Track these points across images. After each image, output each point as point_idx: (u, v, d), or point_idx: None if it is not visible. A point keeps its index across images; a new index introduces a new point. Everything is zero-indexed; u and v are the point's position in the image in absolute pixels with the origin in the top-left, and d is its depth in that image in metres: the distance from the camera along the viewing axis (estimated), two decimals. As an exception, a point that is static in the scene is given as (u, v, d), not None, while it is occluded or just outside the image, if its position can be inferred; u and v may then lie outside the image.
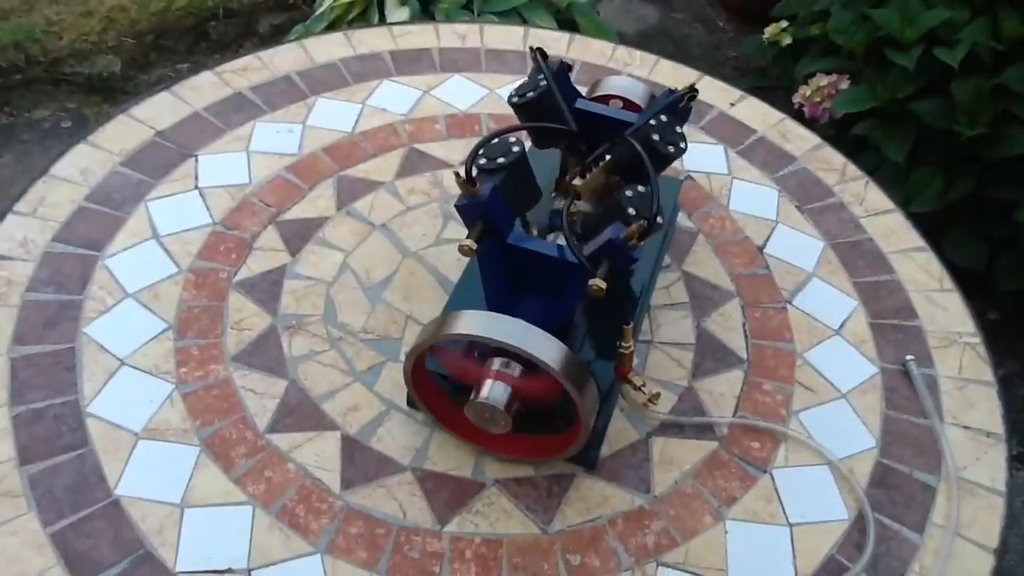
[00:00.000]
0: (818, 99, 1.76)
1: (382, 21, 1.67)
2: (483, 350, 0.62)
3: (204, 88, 0.92)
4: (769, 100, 0.98)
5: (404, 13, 1.65)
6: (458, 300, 0.70)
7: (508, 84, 0.96)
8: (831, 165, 0.92)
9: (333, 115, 0.91)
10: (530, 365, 0.60)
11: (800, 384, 0.74)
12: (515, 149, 0.62)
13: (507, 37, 1.03)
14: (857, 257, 0.84)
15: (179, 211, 0.80)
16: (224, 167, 0.84)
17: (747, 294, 0.80)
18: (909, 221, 0.88)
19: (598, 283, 0.57)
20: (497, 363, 0.61)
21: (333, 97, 0.93)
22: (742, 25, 2.54)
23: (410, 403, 0.69)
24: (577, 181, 0.63)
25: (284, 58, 0.96)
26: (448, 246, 0.81)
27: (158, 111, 0.89)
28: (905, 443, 0.71)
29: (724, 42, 2.52)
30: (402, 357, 0.72)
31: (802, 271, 0.82)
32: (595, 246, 0.59)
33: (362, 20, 1.75)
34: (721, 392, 0.73)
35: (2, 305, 0.71)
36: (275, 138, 0.88)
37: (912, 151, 1.59)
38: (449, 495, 0.65)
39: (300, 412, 0.68)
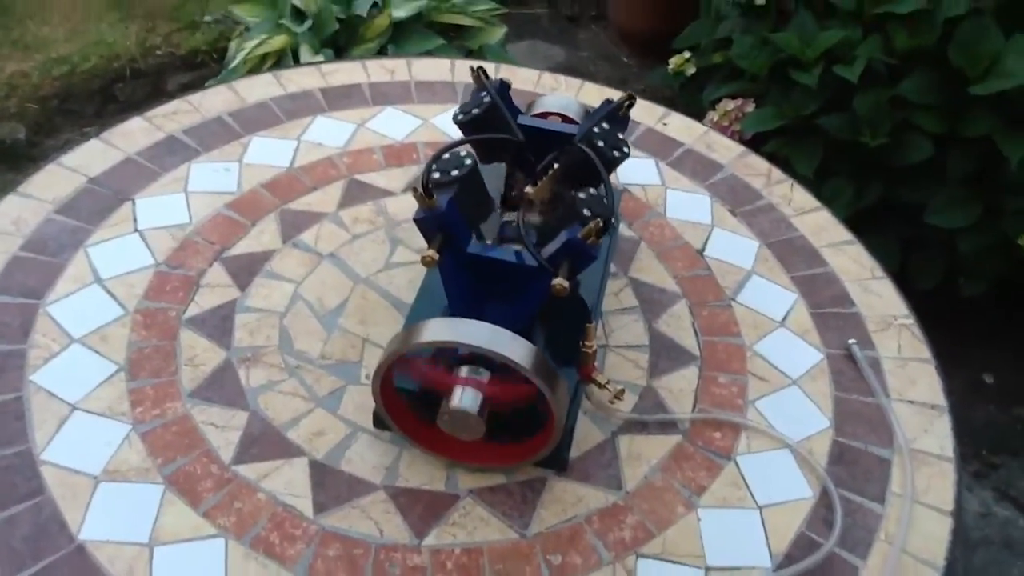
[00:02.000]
0: (727, 123, 1.83)
1: (299, 70, 1.67)
2: (451, 360, 0.63)
3: (134, 133, 0.91)
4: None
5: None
6: (416, 316, 0.71)
7: (440, 113, 0.98)
8: (757, 171, 0.96)
9: (269, 152, 0.91)
10: (498, 370, 0.61)
11: (753, 375, 0.76)
12: (467, 162, 0.64)
13: (435, 69, 1.05)
14: (792, 253, 0.87)
15: (120, 254, 0.79)
16: (163, 209, 0.83)
17: (693, 295, 0.82)
18: (836, 218, 0.92)
19: (561, 282, 0.59)
20: (465, 370, 0.61)
21: (268, 135, 0.93)
22: (645, 59, 2.63)
23: (376, 423, 0.69)
24: (529, 189, 0.65)
25: (214, 100, 0.96)
26: (398, 270, 0.81)
27: (89, 158, 0.87)
28: (857, 421, 0.73)
29: (630, 76, 2.60)
30: (363, 380, 0.72)
31: (741, 269, 0.85)
32: (554, 248, 0.61)
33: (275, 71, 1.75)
34: (680, 388, 0.74)
35: (-60, 360, 0.69)
36: (212, 177, 0.87)
37: (822, 164, 1.66)
38: (424, 509, 0.64)
39: (264, 442, 0.67)
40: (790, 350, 0.79)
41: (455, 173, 0.63)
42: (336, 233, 0.84)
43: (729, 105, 1.84)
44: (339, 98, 0.99)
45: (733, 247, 0.87)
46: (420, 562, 0.61)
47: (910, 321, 0.82)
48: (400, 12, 1.83)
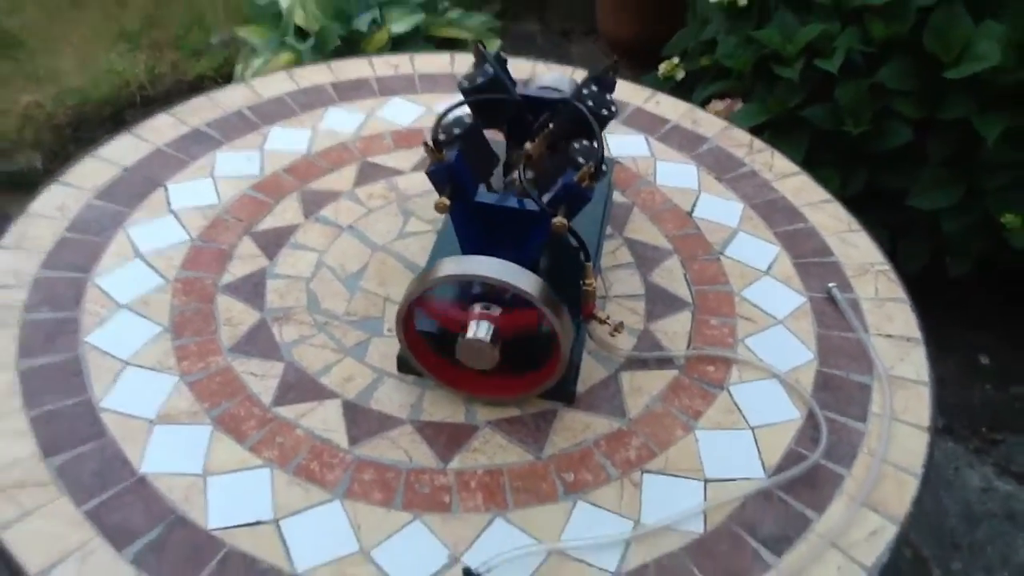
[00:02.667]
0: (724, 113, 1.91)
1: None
2: (465, 299, 0.70)
3: (162, 128, 0.98)
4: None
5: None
6: (432, 263, 0.78)
7: (443, 101, 1.05)
8: (739, 142, 1.04)
9: (288, 140, 0.98)
10: (508, 304, 0.68)
11: (741, 317, 0.83)
12: (468, 121, 0.71)
13: (436, 63, 1.13)
14: (774, 212, 0.95)
15: (157, 232, 0.86)
16: (193, 192, 0.91)
17: (683, 251, 0.89)
18: (814, 180, 1.00)
19: (560, 220, 0.66)
20: (479, 306, 0.68)
21: (285, 125, 1.00)
22: (635, 67, 2.71)
23: (401, 368, 0.75)
24: (528, 145, 0.72)
25: (232, 96, 1.04)
26: (412, 238, 0.88)
27: (122, 151, 0.95)
28: (839, 354, 0.80)
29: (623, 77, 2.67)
30: (386, 333, 0.79)
31: (728, 228, 0.92)
32: (553, 192, 0.68)
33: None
34: (675, 331, 0.81)
35: (2, 327, 0.76)
36: (237, 164, 0.94)
37: (808, 154, 1.73)
38: (447, 439, 0.71)
39: (300, 387, 0.74)
40: (775, 295, 0.85)
41: (457, 131, 0.70)
42: (353, 208, 0.91)
43: (719, 105, 1.92)
44: (349, 91, 1.06)
45: (719, 208, 0.95)
46: (446, 482, 0.68)
47: (886, 267, 0.89)
48: (399, 27, 1.91)
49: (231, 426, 0.70)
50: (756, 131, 1.80)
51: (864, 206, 1.73)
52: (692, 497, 0.68)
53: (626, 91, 1.10)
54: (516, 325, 0.68)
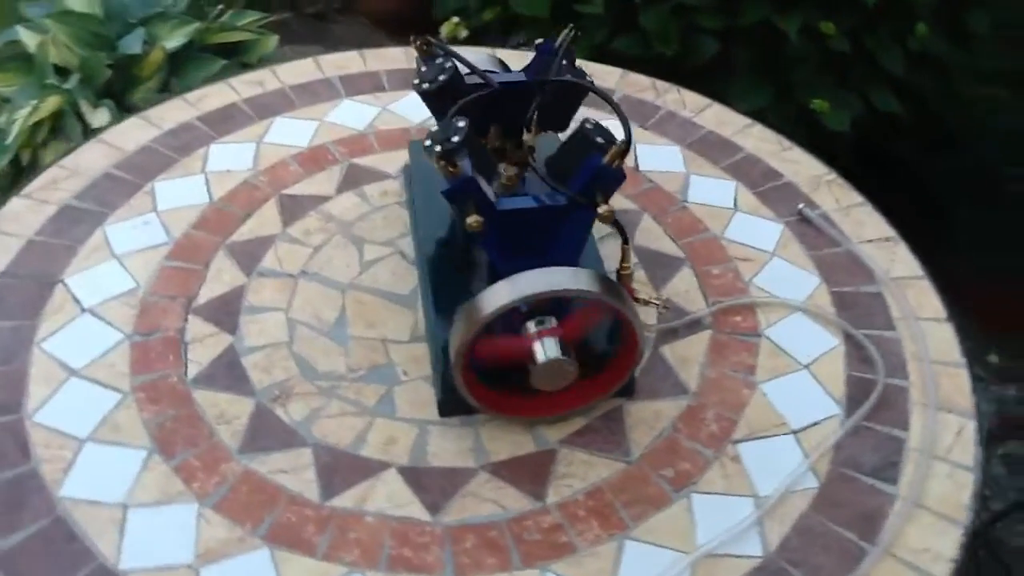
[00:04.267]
0: None
1: (85, 130, 1.54)
2: (510, 320, 0.62)
3: (23, 214, 0.81)
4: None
5: (104, 115, 1.53)
6: (442, 294, 0.69)
7: (331, 110, 0.94)
8: (642, 86, 1.02)
9: (181, 193, 0.84)
10: (560, 310, 0.61)
11: (737, 259, 0.81)
12: (460, 124, 0.63)
13: (301, 71, 1.01)
14: (710, 149, 0.93)
15: (77, 339, 0.71)
16: (98, 280, 0.75)
17: (651, 207, 0.86)
18: (726, 107, 0.99)
19: (608, 208, 0.60)
20: (532, 325, 0.61)
21: (169, 176, 0.86)
22: (403, 38, 2.63)
23: (443, 411, 0.67)
24: (526, 136, 0.66)
25: (88, 160, 0.87)
26: (377, 267, 0.78)
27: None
28: (839, 271, 0.81)
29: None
30: (403, 378, 0.70)
31: (678, 174, 0.90)
32: (582, 179, 0.62)
33: (56, 138, 1.59)
34: (685, 289, 0.78)
35: None
36: (133, 234, 0.80)
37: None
38: (530, 473, 0.64)
39: (344, 468, 0.64)
40: (753, 229, 0.84)
41: (456, 139, 0.62)
42: (296, 251, 0.79)
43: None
44: (221, 122, 0.92)
45: (660, 157, 0.92)
46: (553, 520, 0.61)
47: (833, 175, 0.91)
48: (173, 43, 1.72)
49: (289, 539, 0.59)
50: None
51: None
52: (790, 454, 0.66)
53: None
54: (582, 328, 0.62)
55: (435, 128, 0.64)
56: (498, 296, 0.59)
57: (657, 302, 0.69)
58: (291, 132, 0.92)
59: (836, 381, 0.71)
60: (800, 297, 0.78)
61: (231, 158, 0.88)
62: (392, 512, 0.61)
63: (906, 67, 1.75)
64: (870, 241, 0.84)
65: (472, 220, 0.59)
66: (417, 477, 0.63)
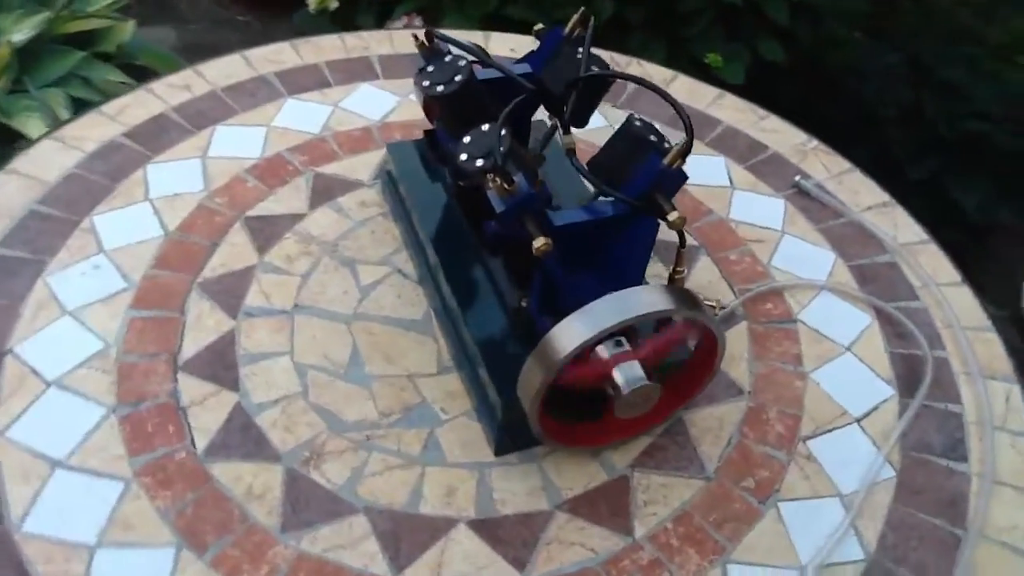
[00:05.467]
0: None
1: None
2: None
3: (-67, 273, 0.67)
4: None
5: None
6: (477, 317, 0.62)
7: (276, 114, 0.84)
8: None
9: (129, 227, 0.72)
10: (631, 330, 0.56)
11: (749, 240, 0.78)
12: (503, 133, 0.56)
13: (227, 69, 0.89)
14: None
15: (52, 421, 0.59)
16: (60, 347, 0.63)
17: (648, 193, 0.81)
18: (689, 77, 0.96)
19: (678, 215, 0.55)
20: (605, 351, 0.55)
21: (109, 208, 0.73)
22: (263, 14, 2.46)
23: (500, 451, 0.61)
24: (564, 139, 0.59)
25: (7, 192, 0.73)
26: (379, 290, 0.70)
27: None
28: (850, 243, 0.79)
29: (258, 34, 2.42)
30: (443, 416, 0.62)
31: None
32: (642, 184, 0.56)
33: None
34: (709, 280, 0.74)
35: None
36: (84, 284, 0.68)
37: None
38: (610, 506, 0.59)
39: (407, 533, 0.56)
40: (756, 207, 0.81)
41: (503, 149, 0.55)
42: (282, 282, 0.70)
43: (417, 20, 1.80)
44: (154, 137, 0.80)
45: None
46: (650, 555, 0.56)
47: (815, 143, 0.89)
48: (20, 36, 1.52)
49: (371, 625, 0.52)
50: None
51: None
52: (860, 444, 0.64)
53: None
54: (664, 347, 0.57)
55: (472, 138, 0.56)
56: (574, 333, 0.52)
57: (712, 303, 0.64)
58: (238, 142, 0.81)
59: (880, 360, 0.70)
60: (821, 275, 0.76)
61: (176, 179, 0.77)
62: (476, 573, 0.54)
63: (789, 17, 1.78)
64: (870, 208, 0.82)
65: (541, 244, 0.52)
66: (491, 530, 0.57)
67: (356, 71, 0.91)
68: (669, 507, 0.59)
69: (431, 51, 0.63)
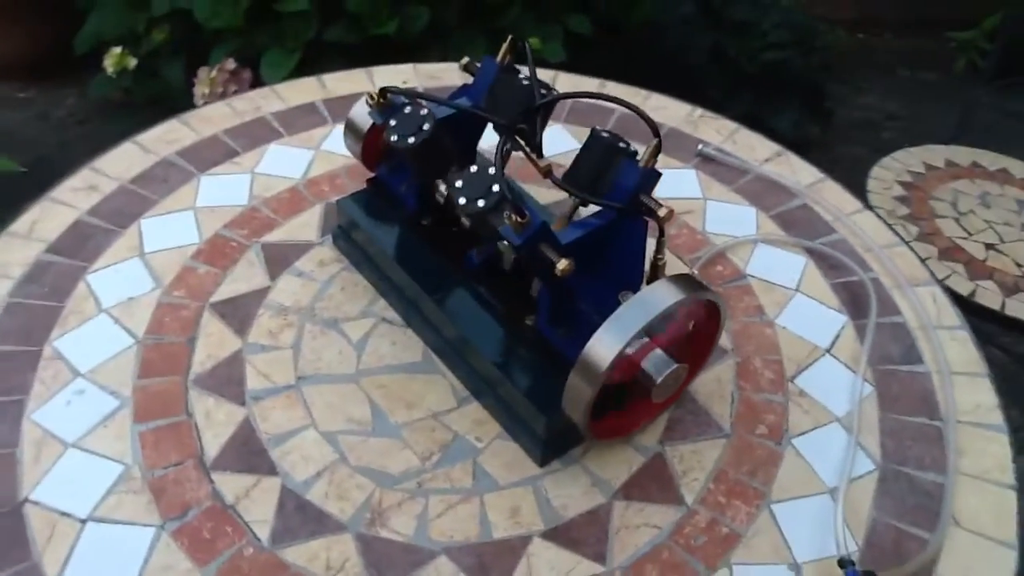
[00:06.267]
0: (220, 89, 1.77)
1: None
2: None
3: None
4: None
5: None
6: (487, 347, 0.65)
7: (195, 196, 0.83)
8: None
9: (91, 341, 0.70)
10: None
11: (680, 214, 0.85)
12: (490, 171, 0.59)
13: (127, 158, 0.86)
14: (583, 118, 0.95)
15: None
16: (71, 476, 0.61)
17: (577, 191, 0.86)
18: (571, 74, 1.01)
19: (667, 209, 0.60)
20: (632, 347, 0.60)
21: (65, 330, 0.71)
22: (44, 87, 2.32)
23: (543, 463, 0.64)
24: (543, 161, 0.63)
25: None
26: (369, 344, 0.72)
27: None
28: (763, 194, 0.87)
29: (35, 105, 2.28)
30: (479, 446, 0.65)
31: (571, 152, 0.91)
32: (626, 189, 0.61)
33: None
34: (660, 258, 0.80)
35: None
36: (71, 412, 0.65)
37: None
38: (657, 483, 0.64)
39: (491, 559, 0.59)
40: (673, 181, 0.88)
41: (496, 189, 0.58)
42: (275, 359, 0.70)
43: (212, 72, 1.77)
44: (79, 248, 0.77)
45: (547, 139, 0.92)
46: (706, 518, 0.62)
47: (699, 111, 0.97)
48: None
49: (495, 654, 0.55)
50: (295, 74, 1.72)
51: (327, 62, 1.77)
52: (837, 370, 0.72)
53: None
54: (681, 329, 0.62)
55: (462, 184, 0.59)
56: (609, 343, 0.56)
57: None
58: (169, 232, 0.79)
59: (826, 294, 0.78)
60: (751, 231, 0.83)
61: (123, 283, 0.74)
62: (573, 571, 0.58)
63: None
64: (768, 160, 0.91)
65: (565, 265, 0.56)
66: (564, 535, 0.61)
67: (258, 134, 0.90)
68: (705, 470, 0.65)
69: (385, 106, 0.65)
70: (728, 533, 0.61)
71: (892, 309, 0.77)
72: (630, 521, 0.61)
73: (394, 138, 0.63)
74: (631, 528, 0.61)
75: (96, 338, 0.70)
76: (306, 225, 0.81)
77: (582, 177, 0.63)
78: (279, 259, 0.77)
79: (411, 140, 0.62)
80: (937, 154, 1.59)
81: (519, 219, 0.56)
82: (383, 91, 0.65)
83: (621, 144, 0.62)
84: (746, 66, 2.15)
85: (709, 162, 0.90)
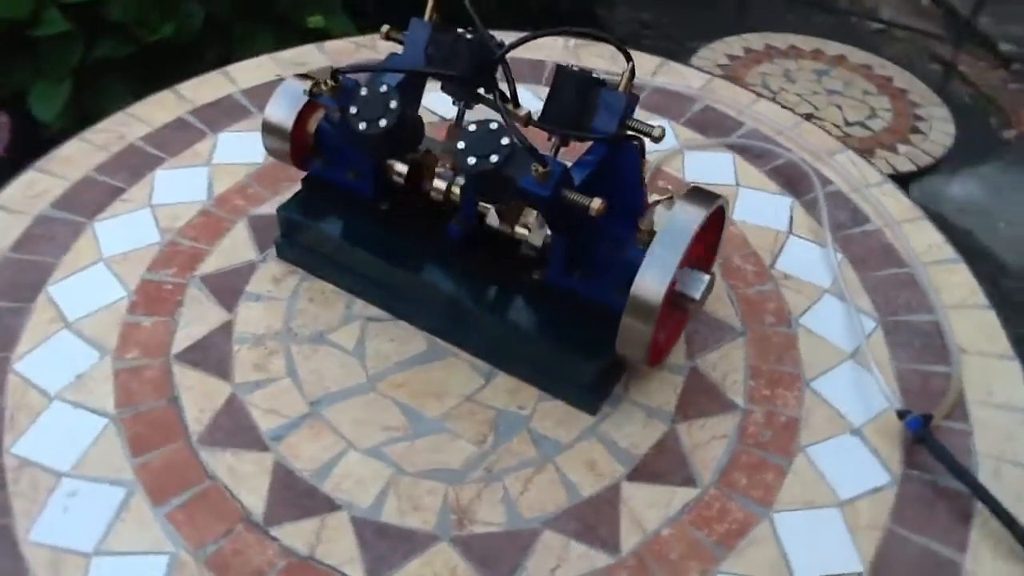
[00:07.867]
0: None
1: None
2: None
3: None
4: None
5: None
6: (503, 313, 0.63)
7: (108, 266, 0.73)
8: (344, 51, 0.95)
9: (65, 430, 0.60)
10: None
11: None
12: (493, 126, 0.56)
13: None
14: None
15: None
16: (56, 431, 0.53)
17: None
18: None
19: (660, 128, 0.60)
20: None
21: (23, 429, 0.61)
22: None
23: (593, 411, 0.63)
24: (521, 110, 0.61)
25: None
26: (367, 347, 0.67)
27: None
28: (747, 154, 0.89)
29: None
30: (522, 412, 0.63)
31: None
32: (613, 117, 0.60)
33: None
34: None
35: None
36: (67, 521, 0.56)
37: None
38: (699, 403, 0.65)
39: (593, 517, 0.57)
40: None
41: (495, 158, 0.55)
42: (276, 392, 0.64)
43: None
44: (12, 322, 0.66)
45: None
46: (761, 413, 0.64)
47: (573, 41, 0.97)
48: None
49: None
50: (71, 105, 1.53)
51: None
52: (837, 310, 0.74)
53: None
54: (699, 242, 0.62)
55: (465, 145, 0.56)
56: (656, 280, 0.55)
57: (669, 195, 0.70)
58: (84, 292, 0.69)
59: (763, 181, 0.82)
60: (673, 143, 0.85)
61: (57, 361, 0.65)
62: (673, 516, 0.58)
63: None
64: (655, 73, 0.93)
65: (599, 205, 0.55)
66: (647, 471, 0.60)
67: (135, 164, 0.81)
68: (739, 370, 0.67)
69: (336, 90, 0.60)
70: (787, 420, 0.63)
71: (824, 180, 0.82)
72: (699, 438, 0.62)
73: (363, 125, 0.58)
74: (702, 445, 0.62)
75: (59, 431, 0.61)
76: (238, 246, 0.73)
77: (563, 115, 0.61)
78: (227, 289, 0.70)
79: (383, 122, 0.58)
80: (734, 45, 1.69)
81: (541, 168, 0.53)
82: (335, 73, 0.59)
83: (593, 75, 0.61)
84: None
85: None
